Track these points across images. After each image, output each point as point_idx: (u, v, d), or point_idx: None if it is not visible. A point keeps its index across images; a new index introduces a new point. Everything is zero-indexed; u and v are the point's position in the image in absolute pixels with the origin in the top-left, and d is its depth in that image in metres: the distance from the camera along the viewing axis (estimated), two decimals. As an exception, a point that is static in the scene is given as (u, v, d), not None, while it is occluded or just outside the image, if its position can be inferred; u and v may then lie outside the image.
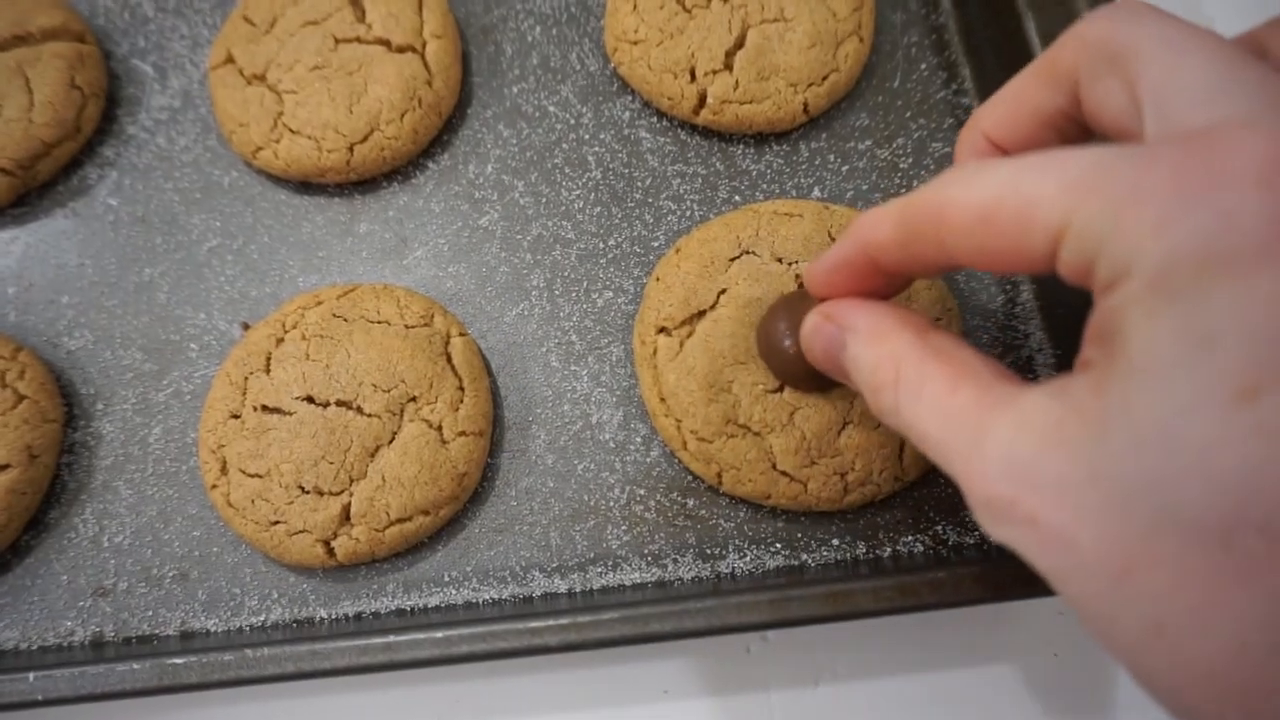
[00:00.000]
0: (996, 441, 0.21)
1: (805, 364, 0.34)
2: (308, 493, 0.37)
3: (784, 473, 0.37)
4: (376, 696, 0.38)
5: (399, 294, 0.41)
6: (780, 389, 0.37)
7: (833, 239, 0.39)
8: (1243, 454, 0.17)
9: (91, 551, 0.39)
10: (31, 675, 0.33)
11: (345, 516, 0.37)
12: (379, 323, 0.40)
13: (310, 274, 0.43)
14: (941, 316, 0.39)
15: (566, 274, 0.43)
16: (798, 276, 0.38)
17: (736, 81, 0.43)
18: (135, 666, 0.33)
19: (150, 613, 0.38)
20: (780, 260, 0.39)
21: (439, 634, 0.34)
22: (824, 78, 0.43)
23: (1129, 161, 0.19)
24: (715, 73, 0.43)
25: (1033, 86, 0.26)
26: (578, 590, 0.38)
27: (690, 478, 0.39)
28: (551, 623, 0.34)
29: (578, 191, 0.44)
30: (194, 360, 0.42)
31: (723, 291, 0.38)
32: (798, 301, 0.36)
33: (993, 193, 0.22)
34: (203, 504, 0.40)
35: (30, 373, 0.40)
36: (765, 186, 0.44)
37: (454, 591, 0.38)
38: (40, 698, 0.33)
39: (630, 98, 0.45)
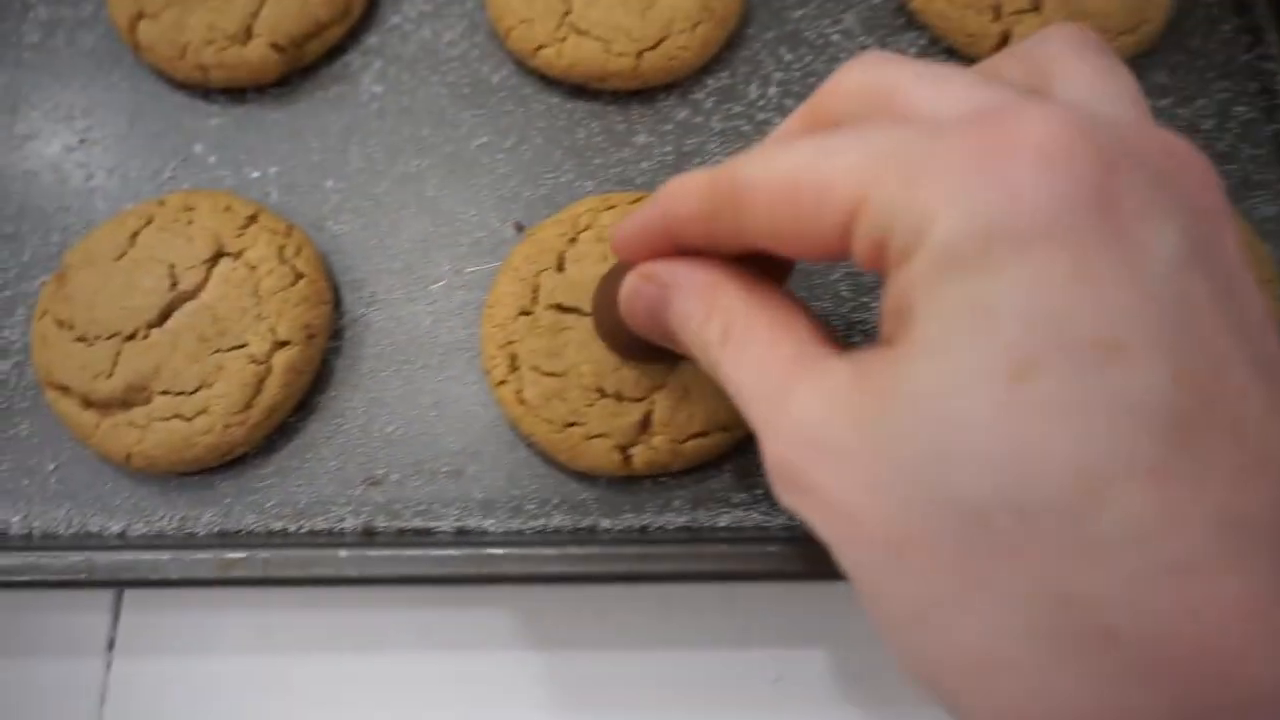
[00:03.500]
0: (795, 404, 0.21)
1: (628, 333, 0.30)
2: (608, 396, 0.36)
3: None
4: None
5: (694, 205, 0.39)
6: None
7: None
8: (1006, 433, 0.17)
9: (361, 440, 0.38)
10: (343, 552, 0.32)
11: (646, 425, 0.36)
12: (675, 232, 0.38)
13: (585, 180, 0.42)
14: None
15: (852, 204, 0.41)
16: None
17: (1046, 22, 0.41)
18: (453, 553, 0.32)
19: (424, 507, 0.37)
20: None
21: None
22: (1135, 26, 0.42)
23: (923, 137, 0.19)
24: (1022, 12, 0.42)
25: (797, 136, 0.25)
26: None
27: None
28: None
29: (865, 122, 0.43)
30: (465, 255, 0.41)
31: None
32: (617, 269, 0.32)
33: (791, 170, 0.21)
34: (477, 401, 0.38)
35: (305, 251, 0.39)
36: (1059, 134, 0.42)
37: (742, 512, 0.37)
38: (355, 574, 0.32)
39: (918, 33, 0.44)
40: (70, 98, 0.44)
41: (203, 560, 0.32)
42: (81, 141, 0.43)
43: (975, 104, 0.20)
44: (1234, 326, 0.18)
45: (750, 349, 0.23)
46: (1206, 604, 0.17)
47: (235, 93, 0.43)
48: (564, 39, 0.42)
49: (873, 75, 0.23)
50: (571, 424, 0.36)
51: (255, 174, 0.42)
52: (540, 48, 0.42)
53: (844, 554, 0.20)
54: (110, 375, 0.36)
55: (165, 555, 0.32)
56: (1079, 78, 0.22)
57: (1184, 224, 0.19)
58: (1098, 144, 0.18)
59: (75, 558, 0.32)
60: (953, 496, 0.18)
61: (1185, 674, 0.17)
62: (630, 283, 0.28)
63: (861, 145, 0.20)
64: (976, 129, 0.19)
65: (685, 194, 0.24)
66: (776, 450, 0.21)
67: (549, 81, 0.43)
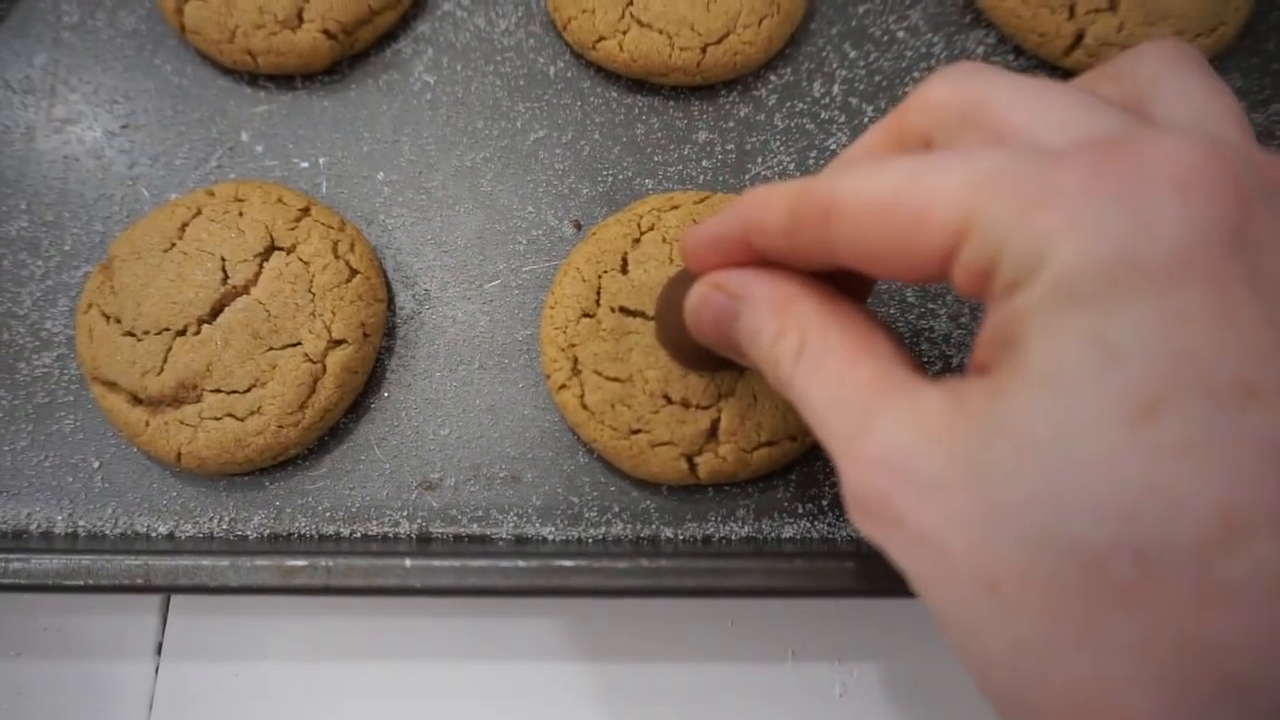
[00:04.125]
0: (880, 429, 0.20)
1: (692, 343, 0.29)
2: (674, 403, 0.35)
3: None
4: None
5: (760, 207, 0.38)
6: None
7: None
8: (1130, 476, 0.16)
9: (414, 443, 0.37)
10: (408, 561, 0.31)
11: (713, 433, 0.35)
12: (742, 234, 0.37)
13: (645, 178, 0.41)
14: None
15: (919, 207, 0.40)
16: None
17: (1122, 23, 0.40)
18: (521, 564, 0.31)
19: (481, 513, 0.36)
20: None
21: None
22: (1212, 29, 0.41)
23: (1040, 161, 0.18)
24: (1098, 12, 0.40)
25: (880, 151, 0.24)
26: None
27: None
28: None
29: (932, 123, 0.41)
30: (521, 253, 0.40)
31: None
32: (681, 276, 0.30)
33: (891, 185, 0.20)
34: (535, 405, 0.37)
35: (359, 247, 0.38)
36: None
37: (807, 523, 0.36)
38: (420, 585, 0.31)
39: (985, 31, 0.43)
40: (112, 81, 0.42)
41: (263, 567, 0.31)
42: (124, 127, 0.42)
43: (1085, 128, 0.19)
44: None
45: (827, 367, 0.22)
46: None
47: (283, 79, 0.42)
48: (626, 31, 0.41)
49: (964, 88, 0.21)
50: (636, 431, 0.35)
51: (304, 164, 0.41)
52: (601, 39, 0.41)
53: (930, 589, 0.19)
54: (160, 372, 0.35)
55: (224, 561, 0.31)
56: (1183, 98, 0.22)
57: None
58: (1235, 175, 0.17)
59: (131, 562, 0.31)
60: (1064, 538, 0.17)
61: None
62: (698, 292, 0.27)
63: (967, 166, 0.19)
64: (1103, 155, 0.18)
65: (770, 204, 0.23)
66: (857, 477, 0.20)
67: (607, 75, 0.42)
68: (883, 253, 0.21)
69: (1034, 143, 0.20)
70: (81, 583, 0.31)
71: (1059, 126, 0.20)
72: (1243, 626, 0.16)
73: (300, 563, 0.31)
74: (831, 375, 0.22)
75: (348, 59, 0.42)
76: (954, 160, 0.19)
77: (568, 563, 0.31)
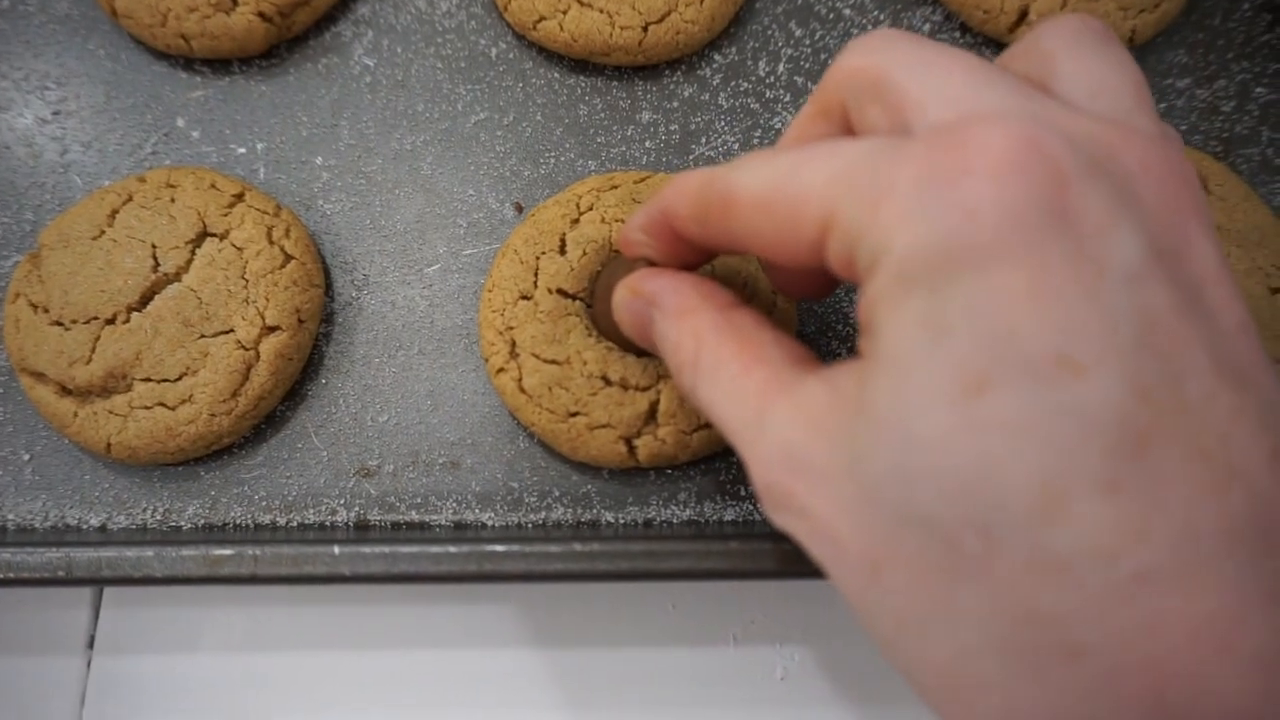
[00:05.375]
0: (773, 428, 0.21)
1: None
2: (612, 385, 0.34)
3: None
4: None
5: (701, 187, 0.38)
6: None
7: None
8: (963, 452, 0.17)
9: (353, 429, 0.36)
10: (337, 549, 0.30)
11: (651, 415, 0.34)
12: (682, 214, 0.37)
13: (588, 159, 0.40)
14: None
15: (864, 186, 0.40)
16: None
17: (1064, 0, 0.40)
18: (453, 550, 0.31)
19: (420, 499, 0.35)
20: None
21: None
22: (1156, 5, 0.40)
23: (885, 155, 0.20)
24: (1042, -13, 0.40)
25: (811, 123, 0.25)
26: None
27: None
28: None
29: (877, 101, 0.41)
30: (461, 237, 0.39)
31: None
32: (618, 263, 0.32)
33: (772, 182, 0.22)
34: (475, 390, 0.37)
35: (294, 232, 0.37)
36: (1076, 116, 0.41)
37: (749, 506, 0.36)
38: (349, 572, 0.30)
39: (931, 9, 0.43)
40: (43, 67, 0.41)
41: (189, 557, 0.30)
42: (56, 114, 0.41)
43: (971, 103, 0.20)
44: (1200, 336, 0.18)
45: (721, 378, 0.24)
46: (1165, 620, 0.17)
47: (219, 63, 0.41)
48: (566, 11, 0.40)
49: (871, 59, 0.22)
50: (574, 414, 0.34)
51: (241, 150, 0.40)
52: (541, 20, 0.40)
53: (833, 574, 0.21)
54: (89, 361, 0.34)
55: (149, 551, 0.30)
56: (1079, 74, 0.22)
57: (1147, 233, 0.18)
58: (1051, 157, 0.18)
59: (53, 554, 0.30)
60: (918, 516, 0.18)
61: (1150, 691, 0.17)
62: (620, 294, 0.29)
63: (831, 162, 0.20)
64: (935, 147, 0.19)
65: (681, 194, 0.25)
66: (761, 474, 0.22)
67: (550, 55, 0.42)
68: (773, 243, 0.22)
69: (925, 116, 0.21)
70: (1, 576, 0.30)
71: (948, 100, 0.21)
72: (1073, 594, 0.17)
73: (227, 551, 0.30)
74: (727, 385, 0.23)
75: (286, 42, 0.42)
76: (823, 155, 0.21)
77: (500, 548, 0.30)
